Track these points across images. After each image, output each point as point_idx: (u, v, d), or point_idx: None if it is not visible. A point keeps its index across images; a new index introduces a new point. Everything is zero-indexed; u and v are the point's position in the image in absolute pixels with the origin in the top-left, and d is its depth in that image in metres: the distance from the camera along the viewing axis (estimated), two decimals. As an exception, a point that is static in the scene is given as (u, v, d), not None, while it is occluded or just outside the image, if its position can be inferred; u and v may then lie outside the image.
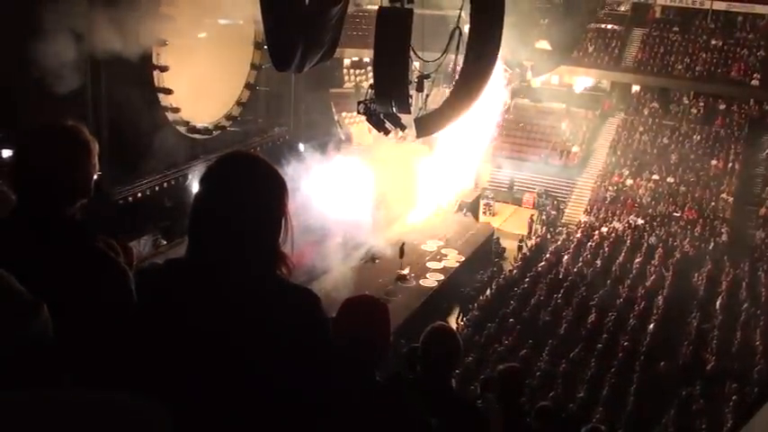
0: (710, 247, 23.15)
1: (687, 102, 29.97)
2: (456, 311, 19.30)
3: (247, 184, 1.56)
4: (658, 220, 24.87)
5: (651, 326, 17.51)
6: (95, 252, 1.75)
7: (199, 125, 20.29)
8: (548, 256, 21.97)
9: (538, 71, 29.59)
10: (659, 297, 19.27)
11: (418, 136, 11.52)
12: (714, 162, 27.17)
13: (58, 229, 1.72)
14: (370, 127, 13.72)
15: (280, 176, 1.61)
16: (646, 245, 23.24)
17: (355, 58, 28.83)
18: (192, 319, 1.49)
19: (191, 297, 1.52)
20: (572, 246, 23.02)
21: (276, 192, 1.59)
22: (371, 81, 11.02)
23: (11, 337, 0.93)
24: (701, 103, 29.64)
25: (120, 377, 1.44)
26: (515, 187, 27.64)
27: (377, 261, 19.95)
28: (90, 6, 14.95)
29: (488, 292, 19.56)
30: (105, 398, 0.81)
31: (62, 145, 1.75)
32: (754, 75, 29.31)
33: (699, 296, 19.74)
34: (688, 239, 23.66)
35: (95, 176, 1.82)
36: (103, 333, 1.58)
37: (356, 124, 25.34)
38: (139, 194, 18.03)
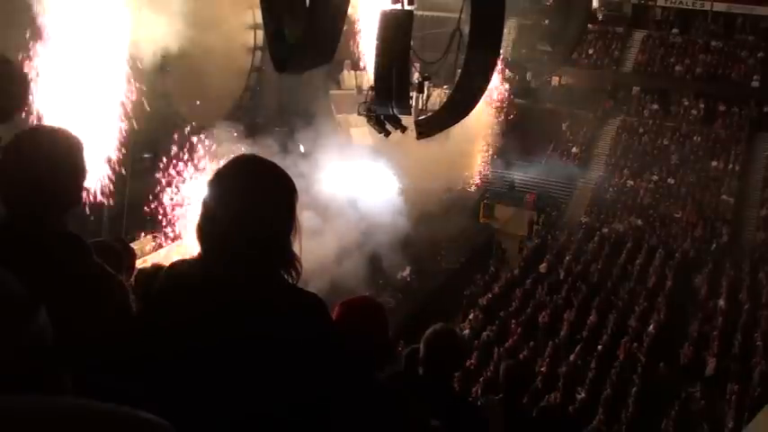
0: (711, 248, 23.15)
1: (687, 103, 29.98)
2: (457, 313, 19.30)
3: (256, 186, 1.55)
4: (659, 221, 24.87)
5: (651, 327, 17.50)
6: (91, 267, 1.71)
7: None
8: (548, 257, 21.97)
9: (538, 72, 29.64)
10: (660, 298, 19.27)
11: (418, 137, 11.50)
12: (714, 163, 27.16)
13: (51, 242, 1.65)
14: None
15: (289, 178, 1.60)
16: (646, 246, 23.24)
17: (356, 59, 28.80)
18: (198, 323, 1.49)
19: (197, 300, 1.52)
20: (573, 247, 23.02)
21: (285, 194, 1.58)
22: (372, 82, 11.03)
23: (10, 335, 0.92)
24: (702, 105, 29.64)
25: (122, 385, 1.43)
26: (516, 188, 27.64)
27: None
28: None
29: (489, 293, 19.56)
30: (110, 409, 0.80)
31: (51, 149, 1.66)
32: (755, 76, 29.33)
33: (700, 297, 19.75)
34: (688, 240, 23.67)
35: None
36: (102, 344, 1.57)
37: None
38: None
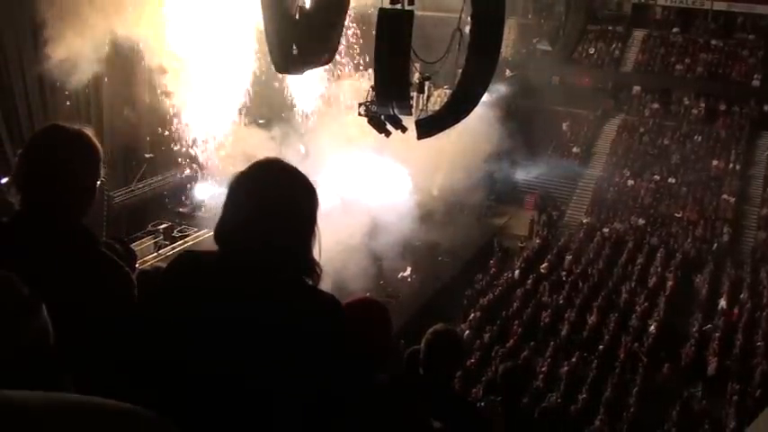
0: (712, 248, 23.13)
1: (688, 102, 29.94)
2: (457, 313, 19.28)
3: (279, 190, 1.54)
4: (660, 220, 24.86)
5: (652, 327, 17.49)
6: (101, 257, 1.74)
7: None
8: (549, 257, 21.96)
9: (538, 72, 29.61)
10: (661, 298, 19.25)
11: (419, 138, 11.49)
12: (715, 162, 27.12)
13: (63, 234, 1.70)
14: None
15: (310, 183, 1.59)
16: (647, 246, 23.22)
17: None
18: (213, 323, 1.48)
19: (216, 299, 1.51)
20: (573, 247, 23.01)
21: (307, 198, 1.57)
22: (372, 83, 11.02)
23: (10, 335, 0.92)
24: (702, 104, 29.60)
25: (124, 380, 1.43)
26: (517, 188, 27.59)
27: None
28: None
29: (490, 293, 19.54)
30: (111, 405, 0.80)
31: (70, 149, 1.72)
32: (755, 75, 29.30)
33: (701, 297, 19.73)
34: (689, 240, 23.65)
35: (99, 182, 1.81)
36: (106, 337, 1.58)
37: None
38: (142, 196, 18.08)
